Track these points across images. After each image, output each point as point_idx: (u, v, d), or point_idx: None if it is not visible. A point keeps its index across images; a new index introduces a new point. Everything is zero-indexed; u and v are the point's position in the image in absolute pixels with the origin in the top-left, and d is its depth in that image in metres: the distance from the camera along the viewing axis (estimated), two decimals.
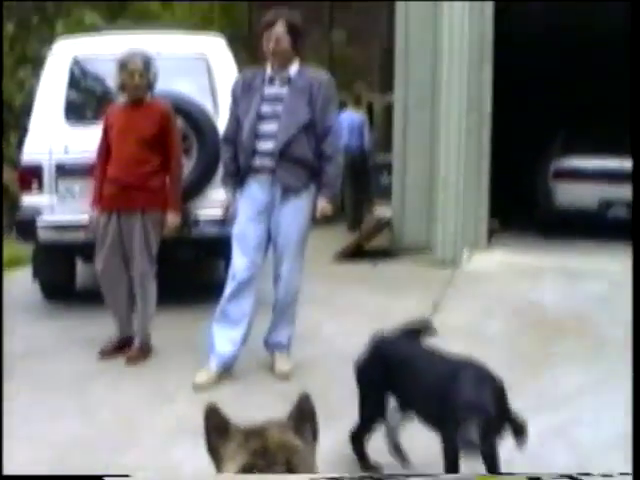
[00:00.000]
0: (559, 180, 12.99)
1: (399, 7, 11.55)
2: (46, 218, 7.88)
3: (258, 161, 6.18)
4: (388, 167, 12.92)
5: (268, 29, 6.22)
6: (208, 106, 8.05)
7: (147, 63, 6.68)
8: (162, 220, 6.73)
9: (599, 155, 12.76)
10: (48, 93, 8.15)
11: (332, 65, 15.37)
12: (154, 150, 6.67)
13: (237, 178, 6.34)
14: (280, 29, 6.18)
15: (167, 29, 9.39)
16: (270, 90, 6.21)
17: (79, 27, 15.03)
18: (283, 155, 6.10)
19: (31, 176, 7.89)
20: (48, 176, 7.88)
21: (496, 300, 8.57)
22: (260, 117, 6.17)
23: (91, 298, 7.57)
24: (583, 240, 12.19)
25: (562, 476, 2.28)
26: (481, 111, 11.09)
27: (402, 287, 9.32)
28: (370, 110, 15.97)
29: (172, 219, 6.79)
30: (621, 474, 2.86)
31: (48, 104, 8.11)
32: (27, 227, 7.88)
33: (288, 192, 6.19)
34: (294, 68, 6.27)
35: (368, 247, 11.57)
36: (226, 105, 7.61)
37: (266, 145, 6.14)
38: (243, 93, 6.28)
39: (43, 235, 7.85)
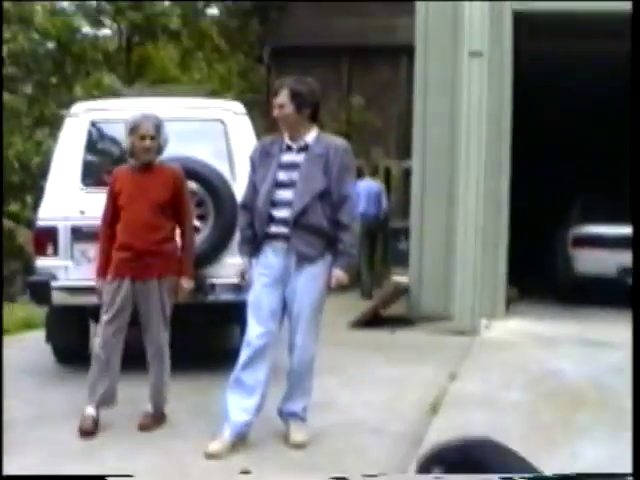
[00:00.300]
0: (578, 247, 12.98)
1: (418, 72, 11.62)
2: (61, 281, 7.88)
3: (274, 228, 6.21)
4: (406, 232, 12.93)
5: (274, 98, 6.27)
6: (225, 172, 8.08)
7: (158, 127, 6.65)
8: (176, 286, 6.70)
9: (618, 222, 12.71)
10: (65, 156, 8.21)
11: (350, 130, 15.45)
12: (167, 215, 6.66)
13: (253, 245, 6.34)
14: (283, 97, 6.22)
15: (185, 92, 9.45)
16: (287, 157, 6.25)
17: (98, 89, 15.17)
18: (298, 223, 6.12)
19: (46, 239, 7.92)
20: (63, 240, 7.92)
21: (514, 369, 8.51)
22: (276, 184, 6.21)
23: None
24: (602, 308, 12.12)
25: (563, 476, 2.30)
26: (499, 177, 11.12)
27: (420, 356, 9.27)
28: (387, 175, 16.03)
29: (186, 285, 6.77)
30: (621, 474, 2.80)
31: (65, 167, 8.16)
32: (41, 290, 7.89)
33: (303, 260, 6.19)
34: (312, 135, 6.30)
35: (385, 314, 11.52)
36: (243, 171, 7.74)
37: (282, 212, 6.17)
38: (261, 160, 6.33)
39: (57, 298, 7.86)
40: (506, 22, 10.98)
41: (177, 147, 8.00)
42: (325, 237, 6.22)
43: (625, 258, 12.46)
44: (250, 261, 6.32)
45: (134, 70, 17.49)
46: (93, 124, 8.34)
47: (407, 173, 16.05)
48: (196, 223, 7.88)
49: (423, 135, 11.42)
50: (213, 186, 7.86)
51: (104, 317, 6.58)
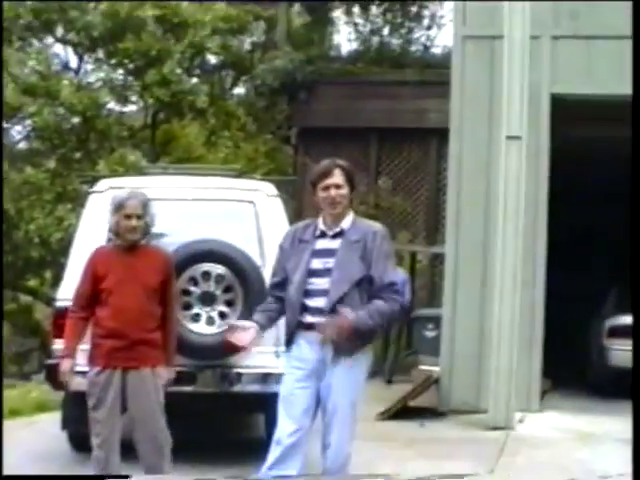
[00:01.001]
0: (613, 338, 12.51)
1: (452, 155, 11.28)
2: (80, 365, 7.45)
3: (308, 318, 5.82)
4: (433, 320, 12.47)
5: (324, 179, 5.87)
6: (255, 256, 7.71)
7: (145, 205, 6.26)
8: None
9: None
10: (88, 233, 7.86)
11: (378, 214, 15.11)
12: (157, 300, 6.27)
13: (287, 336, 5.97)
14: (339, 177, 5.88)
15: (213, 172, 9.09)
16: (321, 244, 5.91)
17: (121, 165, 14.89)
18: (335, 313, 5.71)
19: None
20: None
21: (555, 470, 8.01)
22: (311, 273, 5.84)
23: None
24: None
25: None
26: (534, 266, 10.72)
27: (451, 451, 8.79)
28: (413, 262, 15.60)
29: (169, 374, 6.38)
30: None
31: (87, 245, 7.75)
32: (59, 374, 7.45)
33: (340, 353, 5.79)
34: (348, 220, 5.95)
35: (413, 404, 11.02)
36: (274, 255, 7.33)
37: (317, 302, 5.80)
38: (292, 248, 5.98)
39: (76, 383, 7.40)
40: (544, 106, 10.60)
41: (205, 229, 7.68)
42: (367, 336, 5.88)
43: None
44: (260, 327, 5.92)
45: (159, 148, 17.18)
46: None
47: (435, 258, 15.72)
48: (224, 309, 7.51)
49: (456, 219, 11.07)
50: (243, 270, 7.49)
51: (97, 414, 6.21)
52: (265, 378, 7.57)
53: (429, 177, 16.06)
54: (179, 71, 16.12)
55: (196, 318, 7.50)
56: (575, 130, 11.41)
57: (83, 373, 6.35)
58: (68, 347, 6.30)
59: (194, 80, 16.89)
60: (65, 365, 6.28)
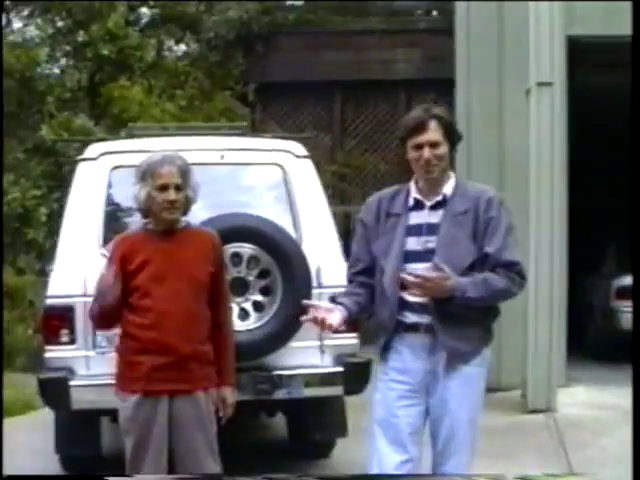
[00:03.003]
0: (624, 300, 11.14)
1: (459, 109, 9.70)
2: (81, 378, 5.77)
3: (410, 317, 4.31)
4: None
5: (416, 134, 4.27)
6: (288, 230, 6.06)
7: (184, 172, 4.53)
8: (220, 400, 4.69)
9: None
10: (81, 211, 6.20)
11: (347, 173, 13.55)
12: (205, 301, 4.62)
13: (379, 340, 4.42)
14: (435, 132, 4.30)
15: (215, 130, 7.40)
16: (418, 218, 4.37)
17: (67, 130, 13.08)
18: (443, 308, 4.20)
19: (59, 322, 5.82)
20: (82, 322, 5.78)
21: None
22: (407, 256, 4.31)
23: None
24: None
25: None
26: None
27: (507, 445, 7.34)
28: None
29: (232, 397, 4.73)
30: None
31: (81, 225, 6.10)
32: (56, 390, 5.76)
33: (455, 359, 4.29)
34: (450, 185, 4.40)
35: None
36: (310, 229, 6.18)
37: (419, 295, 4.23)
38: (378, 222, 4.43)
39: (78, 400, 5.72)
40: (559, 49, 9.08)
41: (226, 200, 6.05)
42: (480, 324, 4.38)
43: None
44: (347, 312, 4.32)
45: (100, 109, 15.22)
46: (117, 171, 6.22)
47: None
48: (259, 298, 5.90)
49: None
50: (281, 250, 5.89)
51: (139, 455, 4.44)
52: (310, 380, 6.00)
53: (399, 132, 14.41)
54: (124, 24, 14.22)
55: None
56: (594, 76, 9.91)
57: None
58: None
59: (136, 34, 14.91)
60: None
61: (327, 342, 6.05)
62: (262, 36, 14.41)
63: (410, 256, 4.30)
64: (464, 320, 4.24)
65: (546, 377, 8.37)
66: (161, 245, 4.53)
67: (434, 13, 15.11)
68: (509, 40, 9.35)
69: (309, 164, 6.47)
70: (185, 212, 4.62)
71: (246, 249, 5.88)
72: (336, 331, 4.40)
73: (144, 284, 4.47)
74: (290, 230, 6.12)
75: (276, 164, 6.37)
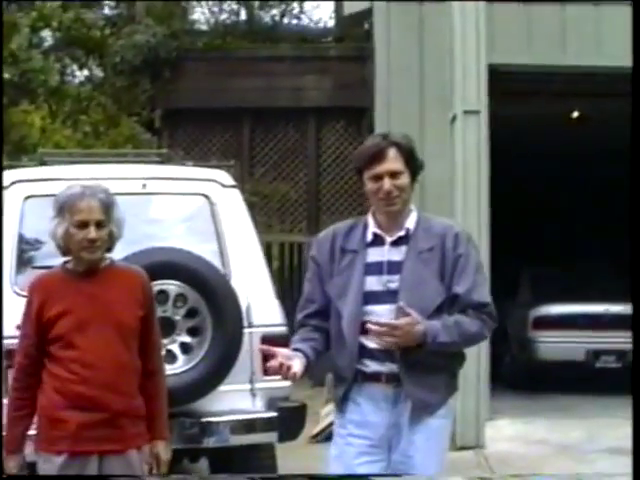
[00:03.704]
0: (540, 330, 10.92)
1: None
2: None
3: (370, 366, 3.84)
4: None
5: (374, 163, 3.84)
6: (215, 264, 5.52)
7: (107, 205, 3.95)
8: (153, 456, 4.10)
9: (577, 300, 10.85)
10: None
11: (256, 202, 13.01)
12: (137, 346, 4.03)
13: (336, 390, 3.93)
14: (395, 162, 3.83)
15: (133, 157, 6.81)
16: (377, 255, 3.90)
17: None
18: (409, 355, 3.74)
19: None
20: None
21: None
22: (367, 297, 3.84)
23: None
24: (581, 397, 10.44)
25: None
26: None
27: None
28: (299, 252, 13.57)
29: (166, 452, 4.12)
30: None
31: None
32: None
33: (420, 411, 3.82)
34: (412, 218, 3.95)
35: None
36: (238, 264, 5.65)
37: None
38: (332, 260, 3.93)
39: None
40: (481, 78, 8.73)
41: (149, 233, 5.49)
42: (447, 371, 3.94)
43: (594, 340, 10.67)
44: (305, 358, 3.81)
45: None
46: (30, 202, 5.58)
47: None
48: (187, 339, 5.34)
49: None
50: (210, 287, 5.36)
51: None
52: (241, 427, 5.44)
53: (308, 160, 13.98)
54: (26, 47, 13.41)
55: None
56: (513, 106, 9.59)
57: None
58: (12, 438, 3.95)
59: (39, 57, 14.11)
60: (11, 464, 3.92)
61: (258, 385, 5.54)
62: (169, 61, 13.83)
63: (370, 297, 3.84)
64: (430, 367, 3.81)
65: (474, 411, 7.95)
66: (83, 287, 3.94)
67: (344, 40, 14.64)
68: (430, 69, 8.96)
69: (237, 194, 5.96)
70: (109, 249, 4.03)
71: (172, 286, 5.35)
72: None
73: (66, 333, 3.88)
74: (218, 265, 5.57)
75: (202, 194, 5.82)
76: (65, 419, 3.84)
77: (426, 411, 3.81)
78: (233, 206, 5.86)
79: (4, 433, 3.95)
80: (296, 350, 3.81)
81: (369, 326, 3.67)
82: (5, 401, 4.20)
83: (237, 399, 5.51)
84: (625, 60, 8.60)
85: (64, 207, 3.89)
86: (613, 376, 10.96)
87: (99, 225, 3.86)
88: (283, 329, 5.64)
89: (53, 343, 3.88)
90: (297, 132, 14.04)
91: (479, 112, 8.02)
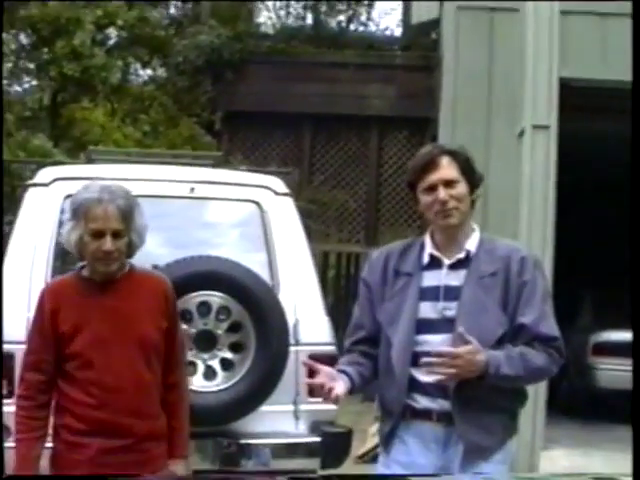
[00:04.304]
0: (600, 357, 10.41)
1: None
2: None
3: (420, 401, 3.44)
4: None
5: (426, 173, 3.45)
6: (264, 277, 5.15)
7: (126, 213, 3.54)
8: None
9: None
10: (28, 243, 5.21)
11: (313, 210, 12.67)
12: (160, 362, 3.67)
13: (383, 425, 3.56)
14: (449, 170, 3.45)
15: (184, 158, 6.48)
16: (434, 279, 3.50)
17: (24, 150, 12.06)
18: (463, 392, 3.34)
19: None
20: None
21: None
22: (420, 325, 3.44)
23: None
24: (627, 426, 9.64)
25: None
26: None
27: None
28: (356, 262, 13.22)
29: (184, 470, 3.75)
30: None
31: (27, 259, 5.13)
32: None
33: (473, 455, 3.39)
34: (474, 239, 3.53)
35: None
36: (288, 276, 5.29)
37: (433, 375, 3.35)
38: (385, 283, 3.54)
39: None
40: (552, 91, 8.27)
41: (194, 240, 5.14)
42: (506, 411, 3.49)
43: None
44: (350, 382, 3.43)
45: (59, 131, 14.20)
46: (69, 198, 5.24)
47: None
48: (228, 355, 4.98)
49: None
50: (255, 300, 4.97)
51: None
52: (282, 451, 5.07)
53: (369, 170, 13.62)
54: (90, 44, 13.23)
55: (190, 369, 4.87)
56: (580, 122, 9.11)
57: None
58: (27, 460, 3.54)
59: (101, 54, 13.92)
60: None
61: (303, 407, 5.16)
62: (232, 63, 13.59)
63: (423, 325, 3.44)
64: (487, 406, 3.40)
65: (530, 440, 7.50)
66: (101, 299, 3.57)
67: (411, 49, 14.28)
68: (498, 80, 8.53)
69: (290, 202, 5.57)
70: (129, 256, 3.65)
71: (215, 298, 4.97)
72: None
73: (82, 351, 3.52)
74: (265, 277, 5.19)
75: (253, 201, 5.45)
76: (83, 444, 3.51)
77: (481, 456, 3.39)
78: (285, 215, 5.48)
79: (15, 454, 3.58)
80: (341, 372, 3.44)
81: (425, 360, 3.28)
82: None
83: (279, 421, 5.13)
84: None
85: (79, 211, 3.52)
86: None
87: (116, 235, 3.48)
88: (332, 348, 5.25)
89: (69, 360, 3.54)
90: (359, 140, 13.73)
91: (549, 127, 7.57)
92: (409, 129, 13.55)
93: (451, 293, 3.44)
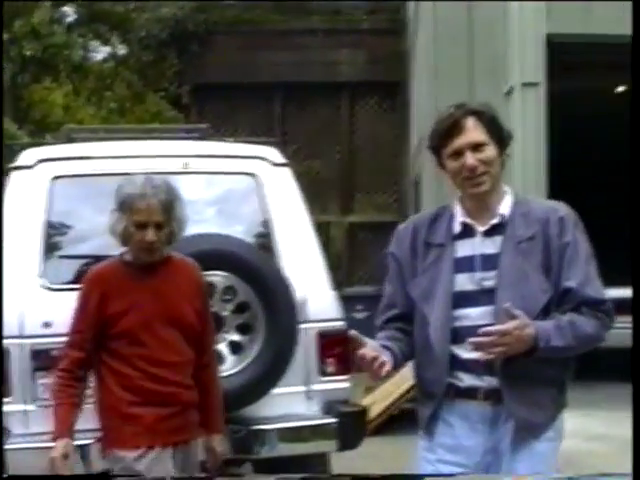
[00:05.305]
0: None
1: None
2: (17, 438, 4.50)
3: (465, 380, 3.18)
4: (363, 300, 10.44)
5: (452, 137, 3.17)
6: (263, 252, 4.90)
7: (169, 205, 3.73)
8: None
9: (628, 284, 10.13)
10: (14, 232, 4.85)
11: None
12: (194, 341, 3.89)
13: (423, 408, 3.28)
14: (476, 132, 3.15)
15: (170, 132, 6.15)
16: (468, 249, 3.23)
17: None
18: (511, 367, 3.07)
19: None
20: (19, 370, 4.59)
21: None
22: (457, 299, 3.17)
23: None
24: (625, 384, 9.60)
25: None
26: None
27: None
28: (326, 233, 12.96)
29: (222, 445, 4.04)
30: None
31: (14, 250, 4.77)
32: None
33: (524, 434, 3.14)
34: (507, 202, 3.26)
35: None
36: (288, 251, 5.03)
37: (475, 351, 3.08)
38: (415, 256, 3.28)
39: (15, 466, 4.42)
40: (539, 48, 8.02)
41: (192, 217, 4.80)
42: (555, 384, 3.23)
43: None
44: (393, 353, 3.19)
45: (21, 113, 13.75)
46: (57, 182, 4.93)
47: (351, 230, 13.19)
48: (237, 338, 4.74)
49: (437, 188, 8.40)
50: (262, 279, 4.70)
51: None
52: (297, 434, 4.81)
53: (341, 137, 13.33)
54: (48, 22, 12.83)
55: None
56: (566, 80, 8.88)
57: None
58: (65, 421, 3.74)
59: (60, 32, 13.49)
60: (59, 448, 3.66)
61: (315, 387, 4.91)
62: (197, 35, 13.27)
63: (461, 299, 3.16)
64: (537, 380, 3.14)
65: None
66: (145, 283, 3.77)
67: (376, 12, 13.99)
68: (479, 37, 8.26)
69: (288, 173, 5.28)
70: (169, 244, 3.83)
71: (220, 278, 4.68)
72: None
73: (131, 329, 3.73)
74: (266, 253, 4.91)
75: (249, 173, 5.14)
76: (140, 414, 3.71)
77: (531, 433, 3.14)
78: (284, 187, 5.19)
79: (53, 420, 3.74)
80: (384, 347, 3.17)
81: (472, 340, 3.01)
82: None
83: (291, 403, 4.86)
84: None
85: (124, 204, 3.71)
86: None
87: (159, 227, 3.69)
88: (341, 324, 5.00)
89: (116, 339, 3.73)
90: (330, 108, 13.48)
91: (538, 84, 7.32)
92: (380, 94, 13.33)
93: (488, 262, 3.16)
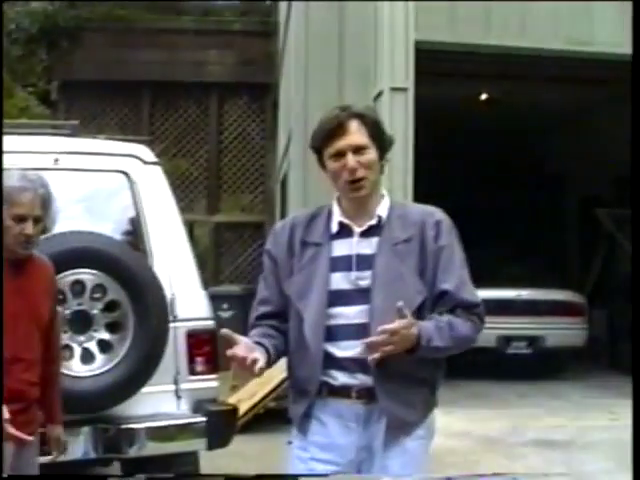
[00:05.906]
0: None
1: (297, 118, 8.56)
2: None
3: (338, 378, 3.14)
4: (228, 299, 10.59)
5: (333, 139, 3.13)
6: (135, 251, 4.77)
7: (45, 200, 3.65)
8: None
9: (491, 285, 10.27)
10: None
11: None
12: (44, 339, 3.80)
13: (296, 406, 3.24)
14: (358, 135, 3.14)
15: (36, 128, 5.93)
16: (344, 248, 3.20)
17: None
18: (385, 366, 3.05)
19: None
20: None
21: None
22: (333, 297, 3.14)
23: None
24: (496, 383, 10.16)
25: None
26: None
27: None
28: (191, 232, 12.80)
29: (62, 435, 3.91)
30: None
31: None
32: None
33: (396, 431, 3.13)
34: (384, 204, 3.26)
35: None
36: (160, 249, 4.92)
37: (350, 349, 3.12)
38: (291, 254, 3.24)
39: None
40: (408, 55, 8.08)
41: (59, 216, 4.67)
42: (427, 385, 3.24)
43: (505, 325, 10.26)
44: (266, 349, 3.12)
45: None
46: None
47: (217, 229, 13.08)
48: (106, 336, 4.56)
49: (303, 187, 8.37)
50: (132, 277, 4.57)
51: None
52: (166, 433, 4.70)
53: (209, 137, 13.20)
54: None
55: (66, 353, 4.44)
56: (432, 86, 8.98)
57: None
58: None
59: None
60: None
61: (184, 386, 4.80)
62: (68, 30, 12.89)
63: (336, 297, 3.13)
64: (410, 380, 3.14)
65: None
66: (13, 281, 3.61)
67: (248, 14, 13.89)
68: (350, 40, 8.27)
69: (159, 172, 5.16)
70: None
71: (89, 276, 4.54)
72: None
73: None
74: (137, 251, 4.78)
75: (121, 171, 5.00)
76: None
77: (403, 431, 3.14)
78: (155, 185, 5.07)
79: None
80: (257, 343, 3.10)
81: (367, 341, 2.97)
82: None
83: (160, 402, 4.75)
84: (547, 42, 8.14)
85: (4, 198, 3.57)
86: (524, 362, 10.67)
87: (36, 221, 3.61)
88: (210, 323, 4.92)
89: None
90: (199, 107, 13.32)
91: (407, 89, 7.37)
92: (249, 95, 13.22)
93: (364, 262, 3.15)
